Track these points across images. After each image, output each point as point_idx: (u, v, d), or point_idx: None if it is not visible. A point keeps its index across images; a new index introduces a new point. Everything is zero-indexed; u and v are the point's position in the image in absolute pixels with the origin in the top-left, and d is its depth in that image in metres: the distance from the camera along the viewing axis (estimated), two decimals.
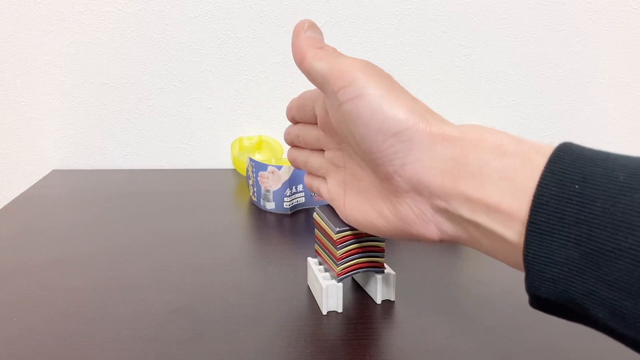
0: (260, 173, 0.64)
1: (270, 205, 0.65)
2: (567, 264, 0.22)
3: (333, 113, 0.32)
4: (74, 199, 0.71)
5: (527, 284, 0.24)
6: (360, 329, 0.40)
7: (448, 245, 0.56)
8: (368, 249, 0.42)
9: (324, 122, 0.36)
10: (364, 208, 0.34)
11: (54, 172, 0.83)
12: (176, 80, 0.83)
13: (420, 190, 0.28)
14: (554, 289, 0.22)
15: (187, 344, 0.38)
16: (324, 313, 0.42)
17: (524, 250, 0.23)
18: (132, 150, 0.86)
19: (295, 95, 0.84)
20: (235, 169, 0.84)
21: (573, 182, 0.22)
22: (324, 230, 0.43)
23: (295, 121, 0.41)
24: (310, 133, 0.39)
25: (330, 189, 0.38)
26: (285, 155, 0.84)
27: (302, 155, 0.41)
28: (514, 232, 0.24)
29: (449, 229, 0.28)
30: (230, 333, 0.40)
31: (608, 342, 0.39)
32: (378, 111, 0.28)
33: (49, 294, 0.45)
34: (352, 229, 0.41)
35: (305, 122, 0.40)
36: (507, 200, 0.24)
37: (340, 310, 0.43)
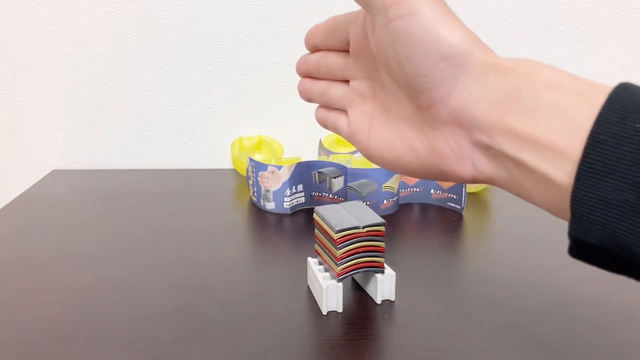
0: (260, 173, 0.64)
1: (270, 205, 0.65)
2: (620, 207, 0.20)
3: (379, 33, 0.29)
4: (74, 199, 0.71)
5: (572, 227, 0.22)
6: (360, 329, 0.40)
7: (448, 245, 0.56)
8: (368, 249, 0.42)
9: (358, 46, 0.33)
10: (392, 142, 0.31)
11: (54, 172, 0.83)
12: (176, 80, 0.83)
13: (462, 123, 0.26)
14: (602, 232, 0.21)
15: (187, 344, 0.38)
16: (324, 313, 0.42)
17: (572, 191, 0.22)
18: (132, 150, 0.86)
19: (295, 95, 0.84)
20: (235, 169, 0.84)
21: (635, 120, 0.20)
22: (324, 230, 0.43)
23: (316, 49, 0.37)
24: (335, 60, 0.36)
25: (352, 122, 0.34)
26: (285, 156, 0.84)
27: (320, 86, 0.37)
28: (562, 171, 0.22)
29: (486, 167, 0.26)
30: (230, 333, 0.40)
31: (608, 342, 0.39)
32: (432, 31, 0.25)
33: (49, 294, 0.45)
34: (352, 228, 0.41)
35: (330, 49, 0.36)
36: (559, 136, 0.23)
37: (340, 310, 0.43)
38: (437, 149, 0.28)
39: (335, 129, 0.36)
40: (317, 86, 0.37)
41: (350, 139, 0.35)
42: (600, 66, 0.85)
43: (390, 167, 0.32)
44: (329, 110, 0.37)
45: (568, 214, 0.23)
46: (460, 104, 0.26)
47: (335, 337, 0.39)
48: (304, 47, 0.82)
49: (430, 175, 0.29)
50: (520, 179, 0.25)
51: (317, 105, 0.37)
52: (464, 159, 0.27)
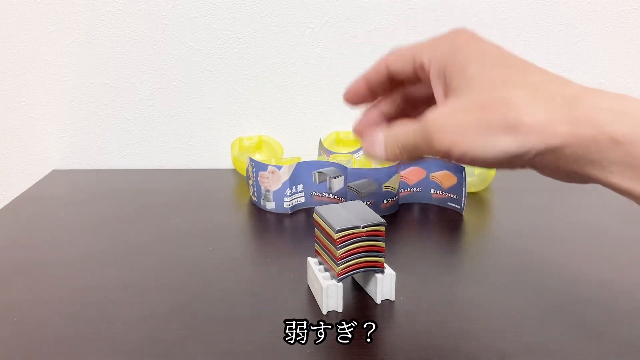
0: (260, 173, 0.64)
1: (270, 205, 0.65)
2: None
3: None
4: (74, 199, 0.71)
5: None
6: (360, 329, 0.40)
7: (448, 245, 0.56)
8: (368, 248, 0.42)
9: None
10: None
11: (54, 172, 0.83)
12: (176, 80, 0.83)
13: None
14: None
15: (187, 344, 0.38)
16: (324, 313, 0.42)
17: None
18: (132, 150, 0.86)
19: (295, 95, 0.84)
20: (235, 169, 0.84)
21: None
22: (324, 230, 0.43)
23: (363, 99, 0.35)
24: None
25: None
26: (285, 156, 0.84)
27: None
28: None
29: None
30: (230, 333, 0.40)
31: (607, 341, 0.39)
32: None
33: (49, 294, 0.45)
34: (352, 228, 0.41)
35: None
36: None
37: (340, 310, 0.43)
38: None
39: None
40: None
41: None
42: (600, 66, 0.85)
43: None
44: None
45: None
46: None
47: (335, 337, 0.39)
48: (303, 47, 0.82)
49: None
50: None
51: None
52: None
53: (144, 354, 0.37)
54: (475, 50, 0.28)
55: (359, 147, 0.76)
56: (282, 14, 0.80)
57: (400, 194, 0.67)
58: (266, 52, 0.82)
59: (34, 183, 0.78)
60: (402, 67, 0.31)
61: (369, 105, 0.35)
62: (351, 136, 0.82)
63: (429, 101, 0.33)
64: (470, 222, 0.62)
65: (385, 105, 0.35)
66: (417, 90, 0.34)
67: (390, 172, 0.62)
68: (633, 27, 0.83)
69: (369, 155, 0.32)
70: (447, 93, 0.28)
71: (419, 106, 0.34)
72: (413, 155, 0.29)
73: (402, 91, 0.34)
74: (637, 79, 0.85)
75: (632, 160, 0.24)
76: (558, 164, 0.26)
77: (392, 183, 0.63)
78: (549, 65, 0.90)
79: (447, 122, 0.26)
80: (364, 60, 0.83)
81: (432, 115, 0.27)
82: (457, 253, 0.54)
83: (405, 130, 0.29)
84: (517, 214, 0.64)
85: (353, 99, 0.35)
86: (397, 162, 0.32)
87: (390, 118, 0.35)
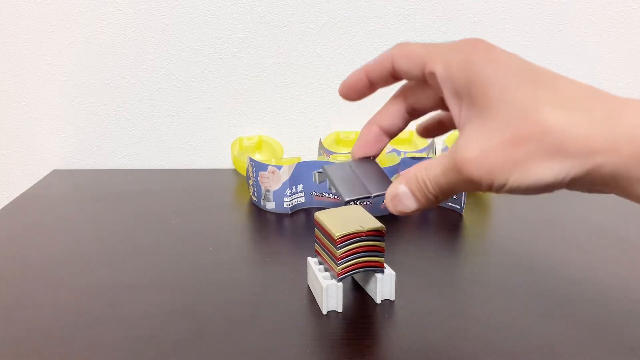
0: (260, 173, 0.64)
1: (270, 205, 0.65)
2: None
3: None
4: (74, 199, 0.71)
5: None
6: (360, 329, 0.40)
7: (448, 245, 0.56)
8: (368, 248, 0.42)
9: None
10: None
11: (54, 172, 0.83)
12: (176, 80, 0.83)
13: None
14: None
15: (187, 344, 0.38)
16: (324, 313, 0.42)
17: None
18: (132, 150, 0.86)
19: (295, 95, 0.84)
20: (235, 169, 0.84)
21: None
22: (325, 229, 0.43)
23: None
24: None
25: None
26: (285, 156, 0.84)
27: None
28: None
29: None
30: (230, 333, 0.40)
31: (607, 341, 0.39)
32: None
33: (49, 294, 0.45)
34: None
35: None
36: None
37: (340, 310, 0.43)
38: None
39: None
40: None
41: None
42: (600, 66, 0.85)
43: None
44: None
45: None
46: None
47: (335, 337, 0.39)
48: (303, 47, 0.82)
49: None
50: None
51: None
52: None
53: (144, 354, 0.37)
54: (495, 65, 0.26)
55: None
56: (282, 14, 0.80)
57: None
58: (266, 52, 0.82)
59: (34, 183, 0.78)
60: (409, 68, 0.29)
61: (370, 128, 0.33)
62: (351, 136, 0.82)
63: (436, 108, 0.32)
64: (470, 222, 0.62)
65: (386, 119, 0.33)
66: (423, 100, 0.32)
67: (390, 172, 0.62)
68: (633, 27, 0.83)
69: (399, 213, 0.29)
70: (467, 114, 0.26)
71: (423, 114, 0.33)
72: (450, 195, 0.28)
73: (404, 103, 0.32)
74: (637, 79, 0.85)
75: None
76: (594, 182, 0.25)
77: None
78: (549, 65, 0.91)
79: (483, 161, 0.25)
80: (364, 60, 0.83)
81: (465, 154, 0.25)
82: (457, 253, 0.54)
83: (434, 173, 0.27)
84: (517, 213, 0.64)
85: (351, 93, 0.33)
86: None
87: (392, 133, 0.34)
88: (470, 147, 0.25)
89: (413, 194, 0.28)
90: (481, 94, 0.25)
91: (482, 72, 0.26)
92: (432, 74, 0.28)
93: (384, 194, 0.32)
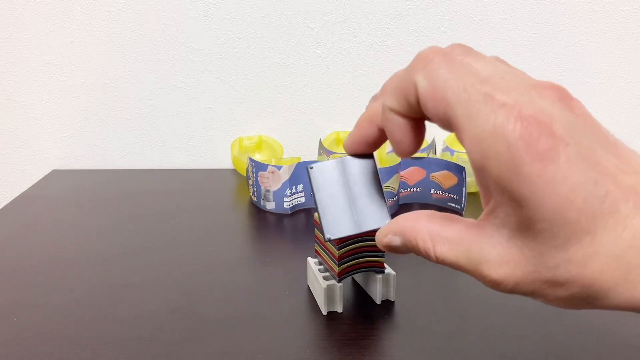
0: (260, 173, 0.64)
1: (270, 205, 0.65)
2: None
3: None
4: (74, 199, 0.71)
5: None
6: (360, 329, 0.40)
7: None
8: (368, 249, 0.42)
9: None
10: None
11: (54, 172, 0.83)
12: (176, 80, 0.83)
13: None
14: None
15: (187, 344, 0.38)
16: (324, 313, 0.42)
17: None
18: (132, 150, 0.86)
19: (295, 95, 0.84)
20: (235, 169, 0.84)
21: None
22: None
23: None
24: None
25: None
26: (285, 156, 0.84)
27: None
28: None
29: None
30: (230, 333, 0.40)
31: (607, 341, 0.39)
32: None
33: (49, 294, 0.45)
34: None
35: None
36: None
37: (340, 310, 0.43)
38: None
39: None
40: None
41: None
42: (600, 66, 0.85)
43: None
44: None
45: None
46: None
47: (335, 337, 0.39)
48: (303, 47, 0.82)
49: None
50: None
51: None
52: None
53: (144, 354, 0.37)
54: (544, 182, 0.19)
55: None
56: (282, 14, 0.80)
57: (400, 194, 0.67)
58: (266, 52, 0.82)
59: (33, 183, 0.78)
60: (430, 113, 0.22)
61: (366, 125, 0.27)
62: None
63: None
64: None
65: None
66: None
67: (390, 172, 0.62)
68: (633, 27, 0.83)
69: (388, 249, 0.26)
70: (497, 208, 0.21)
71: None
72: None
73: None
74: (638, 78, 0.85)
75: None
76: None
77: (392, 183, 0.63)
78: (549, 65, 0.91)
79: (509, 285, 0.21)
80: (364, 60, 0.83)
81: (492, 275, 0.21)
82: None
83: (446, 253, 0.23)
84: None
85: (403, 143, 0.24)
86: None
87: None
88: (501, 271, 0.21)
89: (405, 248, 0.25)
90: (525, 218, 0.20)
91: (529, 184, 0.19)
92: (461, 140, 0.21)
93: (375, 230, 0.27)
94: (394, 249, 0.25)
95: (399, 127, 0.24)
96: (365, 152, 0.28)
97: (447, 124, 0.21)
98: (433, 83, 0.21)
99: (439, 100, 0.21)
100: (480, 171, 0.20)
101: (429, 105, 0.21)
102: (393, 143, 0.25)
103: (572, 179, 0.18)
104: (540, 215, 0.19)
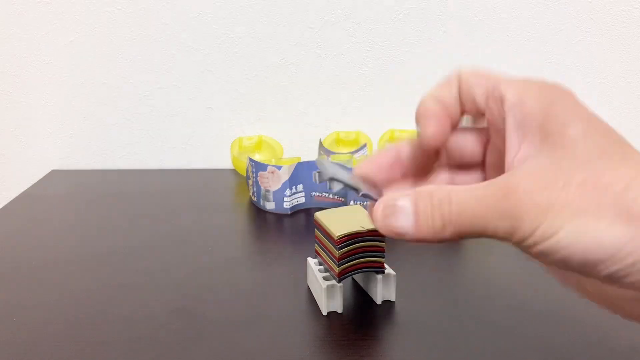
0: (260, 173, 0.64)
1: (270, 205, 0.65)
2: None
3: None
4: (74, 199, 0.71)
5: None
6: (361, 329, 0.40)
7: (448, 245, 0.56)
8: (368, 249, 0.42)
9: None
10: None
11: (54, 172, 0.83)
12: (176, 80, 0.83)
13: None
14: None
15: (187, 344, 0.38)
16: (324, 313, 0.42)
17: None
18: (132, 150, 0.86)
19: (295, 95, 0.84)
20: (235, 169, 0.83)
21: None
22: (325, 230, 0.43)
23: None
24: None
25: None
26: (284, 156, 0.84)
27: None
28: None
29: None
30: (230, 333, 0.40)
31: (608, 341, 0.39)
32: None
33: (48, 294, 0.45)
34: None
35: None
36: None
37: (340, 310, 0.43)
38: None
39: None
40: None
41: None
42: (601, 66, 0.85)
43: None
44: None
45: None
46: None
47: (335, 337, 0.39)
48: (303, 47, 0.82)
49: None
50: None
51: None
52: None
53: (144, 354, 0.37)
54: (577, 110, 0.22)
55: (359, 147, 0.76)
56: (282, 14, 0.80)
57: None
58: (266, 52, 0.82)
59: (33, 183, 0.78)
60: (477, 86, 0.24)
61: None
62: (351, 136, 0.82)
63: (474, 159, 0.26)
64: None
65: (409, 150, 0.26)
66: (461, 142, 0.26)
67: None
68: (633, 27, 0.83)
69: (385, 229, 0.23)
70: (529, 150, 0.22)
71: (457, 170, 0.27)
72: (464, 234, 0.21)
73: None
74: (638, 78, 0.85)
75: None
76: None
77: None
78: (549, 65, 0.91)
79: (542, 193, 0.20)
80: (363, 60, 0.83)
81: (523, 181, 0.20)
82: (457, 253, 0.54)
83: (463, 198, 0.21)
84: None
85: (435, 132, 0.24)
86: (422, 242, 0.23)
87: (410, 175, 0.26)
88: (532, 178, 0.20)
89: (416, 213, 0.22)
90: (558, 131, 0.21)
91: (564, 109, 0.21)
92: (500, 99, 0.23)
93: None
94: (393, 215, 0.23)
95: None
96: (372, 177, 0.26)
97: None
98: None
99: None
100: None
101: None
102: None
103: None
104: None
